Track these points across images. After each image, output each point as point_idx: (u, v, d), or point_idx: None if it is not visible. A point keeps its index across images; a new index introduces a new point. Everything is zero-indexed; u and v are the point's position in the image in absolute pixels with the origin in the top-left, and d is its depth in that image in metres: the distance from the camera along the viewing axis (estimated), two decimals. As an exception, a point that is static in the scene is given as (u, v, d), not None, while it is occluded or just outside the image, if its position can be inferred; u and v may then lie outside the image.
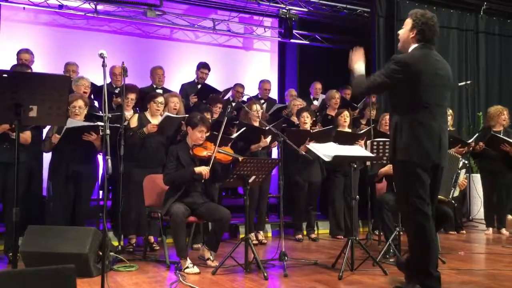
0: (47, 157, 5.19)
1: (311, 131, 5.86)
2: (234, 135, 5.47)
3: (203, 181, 4.52)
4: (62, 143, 4.75)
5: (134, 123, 5.23)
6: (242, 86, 7.39)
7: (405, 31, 3.49)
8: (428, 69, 3.31)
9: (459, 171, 4.79)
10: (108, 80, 6.59)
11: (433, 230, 3.31)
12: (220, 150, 4.64)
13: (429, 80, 3.30)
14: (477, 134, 6.62)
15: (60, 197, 4.85)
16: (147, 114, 5.36)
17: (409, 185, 3.32)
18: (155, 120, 5.26)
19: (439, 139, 3.34)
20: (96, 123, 4.79)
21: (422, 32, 3.39)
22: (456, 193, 4.82)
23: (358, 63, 3.57)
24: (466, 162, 5.09)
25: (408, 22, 3.47)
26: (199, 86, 6.89)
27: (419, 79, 3.28)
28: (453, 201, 4.84)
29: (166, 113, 5.21)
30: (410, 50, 3.45)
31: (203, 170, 4.45)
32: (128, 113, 5.40)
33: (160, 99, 5.38)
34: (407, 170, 3.32)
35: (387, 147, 4.65)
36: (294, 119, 6.36)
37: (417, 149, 3.29)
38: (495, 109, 6.65)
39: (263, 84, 7.65)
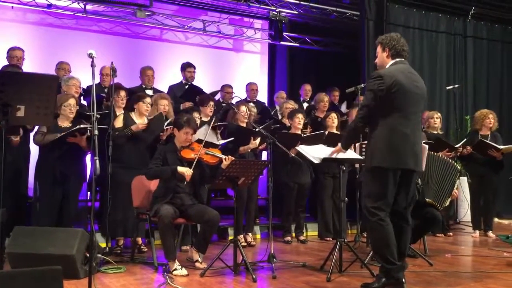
0: (34, 157, 5.14)
1: (302, 135, 5.87)
2: (221, 142, 5.43)
3: (185, 182, 4.48)
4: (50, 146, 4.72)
5: (119, 123, 5.16)
6: (230, 86, 7.38)
7: (380, 56, 3.78)
8: (404, 79, 3.56)
9: (455, 181, 4.85)
10: (97, 80, 6.55)
11: (389, 228, 3.56)
12: (207, 151, 4.63)
13: (406, 89, 3.54)
14: (464, 140, 6.66)
15: (47, 198, 4.80)
16: (133, 115, 5.29)
17: (375, 187, 3.59)
18: (141, 121, 5.22)
19: (413, 145, 3.58)
20: (79, 126, 4.72)
21: (393, 47, 3.68)
22: (447, 203, 4.87)
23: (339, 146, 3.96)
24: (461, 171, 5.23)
25: (378, 48, 3.78)
26: (186, 87, 6.86)
27: (397, 88, 3.51)
28: (441, 211, 4.92)
29: (161, 112, 5.18)
30: (386, 67, 3.71)
31: (186, 171, 4.43)
32: (120, 112, 5.32)
33: (149, 99, 5.35)
34: (379, 175, 3.57)
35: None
36: (285, 121, 6.37)
37: (390, 154, 3.52)
38: (480, 113, 6.76)
39: (250, 86, 7.61)
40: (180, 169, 4.44)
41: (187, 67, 6.99)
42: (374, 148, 3.61)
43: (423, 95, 3.72)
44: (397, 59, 3.69)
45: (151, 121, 5.14)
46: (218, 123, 5.75)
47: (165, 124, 5.25)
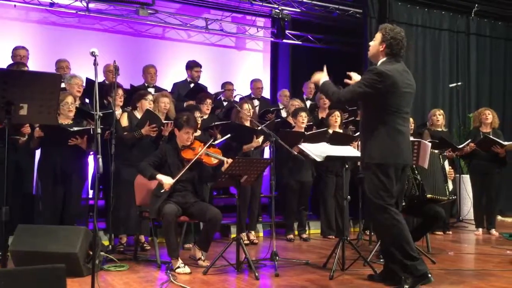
0: (38, 155, 5.15)
1: (306, 133, 5.86)
2: (217, 141, 5.40)
3: (162, 190, 4.39)
4: (51, 141, 4.71)
5: (124, 122, 5.18)
6: (231, 84, 7.39)
7: (375, 44, 3.77)
8: (401, 80, 3.62)
9: (443, 165, 4.81)
10: (101, 78, 6.56)
11: (403, 222, 3.63)
12: (208, 153, 4.60)
13: (402, 89, 3.62)
14: (469, 140, 6.63)
15: (49, 196, 4.80)
16: (137, 113, 5.30)
17: (382, 184, 3.61)
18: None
19: (409, 142, 3.76)
20: (79, 128, 4.70)
21: (390, 46, 3.67)
22: (451, 186, 4.84)
23: (323, 78, 3.86)
24: (445, 154, 5.37)
25: (378, 36, 3.73)
26: (191, 85, 6.86)
27: (395, 89, 3.59)
28: (453, 195, 4.89)
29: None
30: (379, 63, 3.72)
31: (165, 181, 4.37)
32: (118, 111, 5.31)
33: (150, 96, 5.36)
34: (381, 171, 3.62)
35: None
36: (290, 119, 6.35)
37: (394, 152, 3.62)
38: (476, 111, 6.88)
39: (255, 83, 7.64)
40: (160, 177, 4.39)
41: (194, 67, 6.98)
42: (377, 145, 3.64)
43: (413, 94, 3.79)
44: (390, 57, 3.68)
45: (144, 120, 5.09)
46: (218, 123, 5.75)
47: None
